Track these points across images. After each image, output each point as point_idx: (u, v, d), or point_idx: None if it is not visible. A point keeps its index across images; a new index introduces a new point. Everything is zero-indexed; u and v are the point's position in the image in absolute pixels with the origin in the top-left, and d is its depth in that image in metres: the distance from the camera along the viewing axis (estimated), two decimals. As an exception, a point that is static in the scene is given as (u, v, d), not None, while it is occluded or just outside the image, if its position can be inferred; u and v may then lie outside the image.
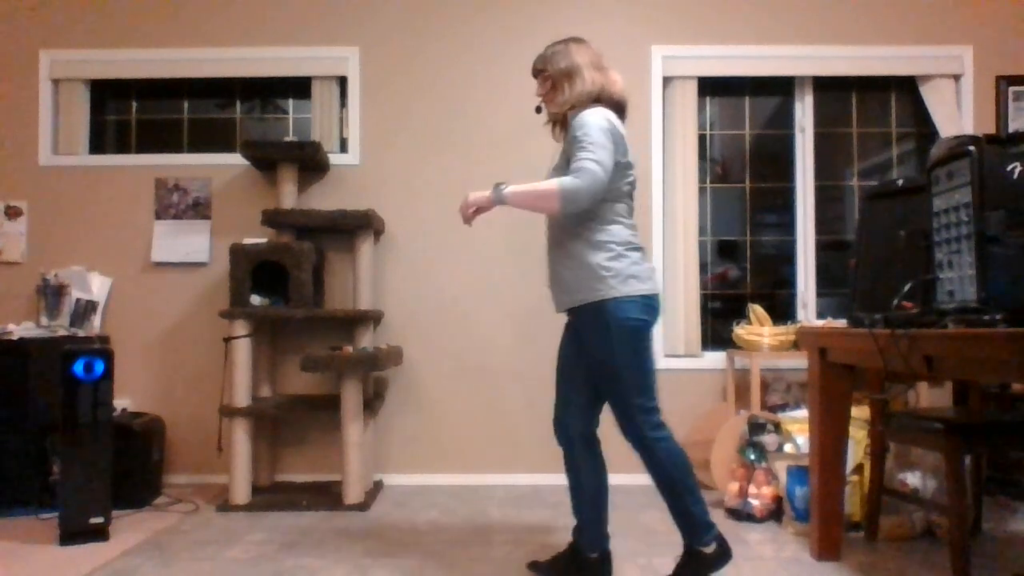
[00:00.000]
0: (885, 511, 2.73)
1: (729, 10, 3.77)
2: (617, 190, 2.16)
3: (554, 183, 2.03)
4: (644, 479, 3.64)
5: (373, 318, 3.43)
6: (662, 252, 3.73)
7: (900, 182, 2.31)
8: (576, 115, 2.15)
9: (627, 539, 2.75)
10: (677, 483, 2.12)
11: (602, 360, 2.13)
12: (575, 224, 2.17)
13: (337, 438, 3.70)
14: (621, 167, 2.15)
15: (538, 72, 2.29)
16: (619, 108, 2.23)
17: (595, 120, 2.09)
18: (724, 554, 2.17)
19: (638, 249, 2.20)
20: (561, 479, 3.66)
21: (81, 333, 3.54)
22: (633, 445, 2.16)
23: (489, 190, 2.16)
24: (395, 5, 3.78)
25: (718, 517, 3.03)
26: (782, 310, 3.88)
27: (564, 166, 2.17)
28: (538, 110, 2.37)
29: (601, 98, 2.20)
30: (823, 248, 3.88)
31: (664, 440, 2.13)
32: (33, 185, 3.76)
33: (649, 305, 2.15)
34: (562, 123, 2.30)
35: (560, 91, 2.24)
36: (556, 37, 3.76)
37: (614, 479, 3.64)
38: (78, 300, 3.61)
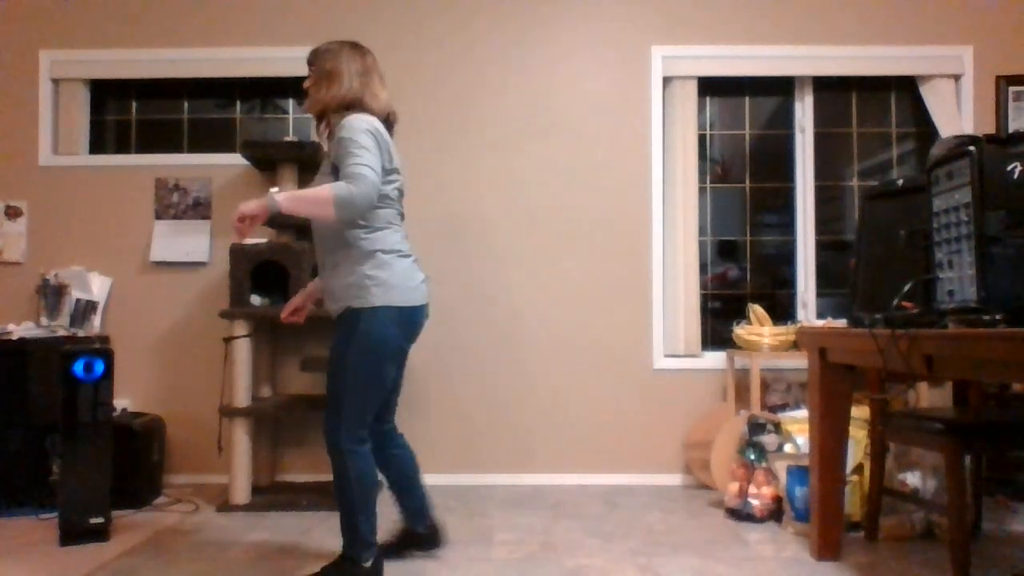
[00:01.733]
0: (885, 511, 2.73)
1: (729, 10, 3.77)
2: (384, 196, 2.18)
3: (327, 189, 2.00)
4: (647, 479, 3.65)
5: (373, 318, 3.43)
6: (662, 252, 3.73)
7: (900, 182, 2.30)
8: (340, 120, 2.16)
9: (627, 539, 2.75)
10: (355, 499, 2.16)
11: (339, 358, 2.17)
12: (344, 232, 2.17)
13: (337, 438, 3.70)
14: (387, 172, 2.18)
15: (309, 64, 2.29)
16: (386, 122, 2.26)
17: (359, 124, 2.10)
18: (377, 573, 2.22)
19: (408, 256, 2.23)
20: (561, 479, 3.66)
21: (81, 333, 3.54)
22: (327, 448, 2.19)
23: (262, 199, 2.02)
24: (395, 5, 3.78)
25: (718, 517, 3.04)
26: (782, 310, 3.88)
27: (329, 171, 2.18)
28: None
29: (355, 107, 2.20)
30: (823, 248, 3.88)
31: (359, 456, 2.17)
32: (33, 185, 3.76)
33: (408, 319, 2.19)
34: (328, 124, 2.29)
35: (318, 90, 2.25)
36: (557, 39, 3.76)
37: (613, 479, 3.64)
38: (78, 300, 3.61)
